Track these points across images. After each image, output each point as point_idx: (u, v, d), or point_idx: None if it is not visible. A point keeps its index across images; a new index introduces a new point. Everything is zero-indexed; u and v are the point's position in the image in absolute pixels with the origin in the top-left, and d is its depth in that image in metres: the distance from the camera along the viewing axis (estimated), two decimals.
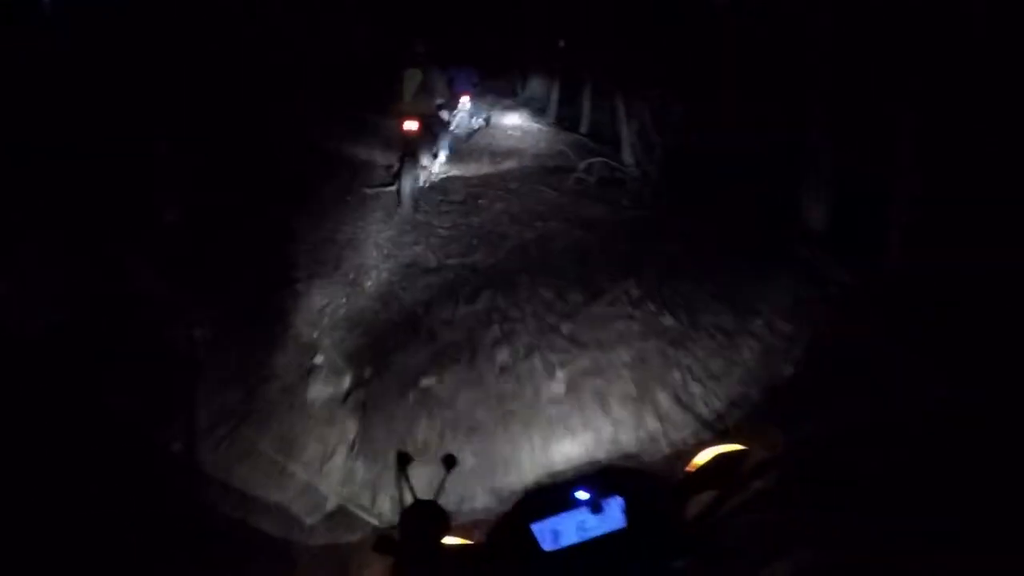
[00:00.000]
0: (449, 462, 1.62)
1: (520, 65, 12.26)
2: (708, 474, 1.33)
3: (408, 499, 1.44)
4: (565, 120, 10.04)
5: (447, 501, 1.50)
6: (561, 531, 1.30)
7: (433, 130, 6.01)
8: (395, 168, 5.89)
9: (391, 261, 5.14)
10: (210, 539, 2.59)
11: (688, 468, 1.36)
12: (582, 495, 1.30)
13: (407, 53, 5.75)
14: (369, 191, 6.69)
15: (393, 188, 6.25)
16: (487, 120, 9.21)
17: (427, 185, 6.28)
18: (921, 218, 3.59)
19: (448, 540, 1.37)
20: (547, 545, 1.29)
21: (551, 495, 1.37)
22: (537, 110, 11.03)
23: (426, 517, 1.38)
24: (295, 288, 4.56)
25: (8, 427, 2.67)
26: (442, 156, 6.59)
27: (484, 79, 9.22)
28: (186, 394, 3.24)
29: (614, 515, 1.30)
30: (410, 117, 5.53)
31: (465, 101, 8.15)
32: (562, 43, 10.19)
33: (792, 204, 4.51)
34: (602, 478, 1.44)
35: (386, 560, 1.38)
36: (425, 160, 6.03)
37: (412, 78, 5.59)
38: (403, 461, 1.54)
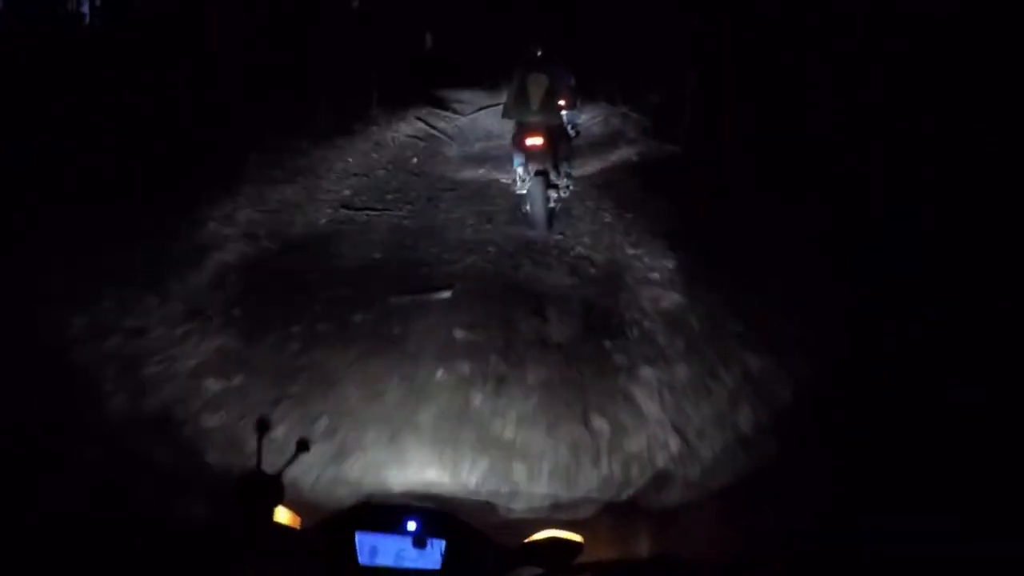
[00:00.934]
0: (301, 446, 1.47)
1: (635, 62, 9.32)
2: (537, 552, 1.31)
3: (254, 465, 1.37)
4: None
5: None
6: (380, 550, 1.30)
7: (559, 144, 4.99)
8: (519, 188, 5.04)
9: None
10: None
11: (525, 541, 1.35)
12: (411, 525, 1.30)
13: (524, 55, 4.96)
14: (402, 301, 3.66)
15: (446, 295, 3.82)
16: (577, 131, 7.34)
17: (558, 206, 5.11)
18: None
19: (281, 514, 1.32)
20: (363, 558, 1.30)
21: (384, 513, 1.39)
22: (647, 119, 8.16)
23: (260, 487, 1.31)
24: None
25: None
26: (570, 169, 5.36)
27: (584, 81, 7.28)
28: None
29: (433, 556, 1.30)
30: (534, 131, 4.74)
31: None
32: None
33: None
34: (435, 517, 1.38)
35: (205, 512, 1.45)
36: (554, 177, 5.01)
37: (537, 84, 4.73)
38: (262, 427, 1.43)
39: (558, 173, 5.04)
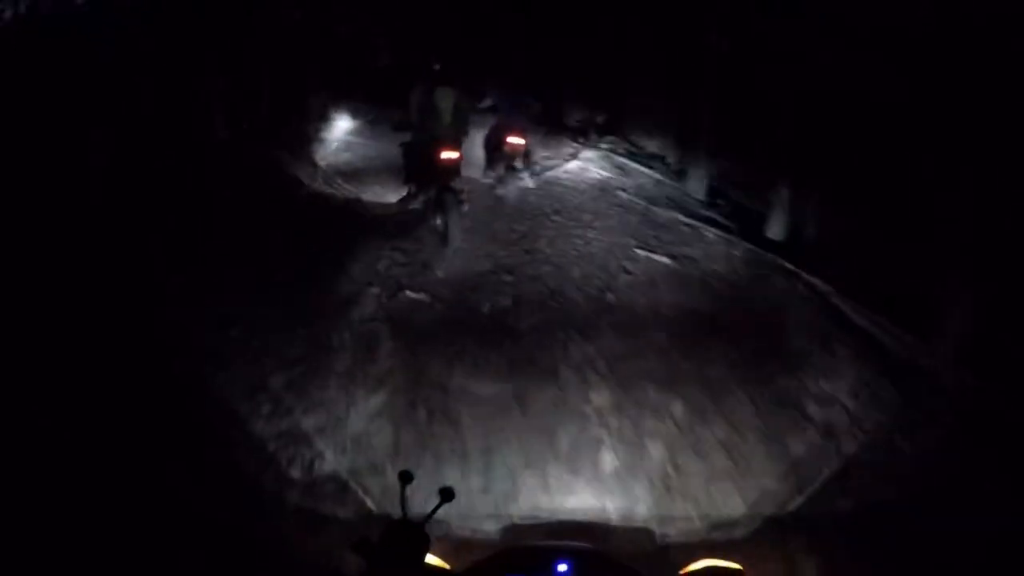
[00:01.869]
0: (446, 495, 1.48)
1: (612, 91, 7.63)
2: None
3: (399, 514, 1.44)
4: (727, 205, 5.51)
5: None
6: None
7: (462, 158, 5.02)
8: (419, 203, 5.16)
9: None
10: None
11: (681, 572, 1.36)
12: (563, 568, 1.31)
13: (427, 70, 4.94)
14: None
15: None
16: (535, 169, 6.50)
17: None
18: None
19: (430, 559, 1.39)
20: None
21: (533, 556, 1.45)
22: (659, 172, 6.36)
23: (407, 538, 1.36)
24: None
25: None
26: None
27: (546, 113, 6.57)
28: None
29: None
30: (448, 145, 4.73)
31: (516, 144, 5.73)
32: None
33: None
34: (587, 557, 1.42)
35: (359, 561, 1.39)
36: (459, 190, 4.91)
37: (444, 98, 4.74)
38: (405, 479, 1.48)
39: (461, 189, 4.99)
